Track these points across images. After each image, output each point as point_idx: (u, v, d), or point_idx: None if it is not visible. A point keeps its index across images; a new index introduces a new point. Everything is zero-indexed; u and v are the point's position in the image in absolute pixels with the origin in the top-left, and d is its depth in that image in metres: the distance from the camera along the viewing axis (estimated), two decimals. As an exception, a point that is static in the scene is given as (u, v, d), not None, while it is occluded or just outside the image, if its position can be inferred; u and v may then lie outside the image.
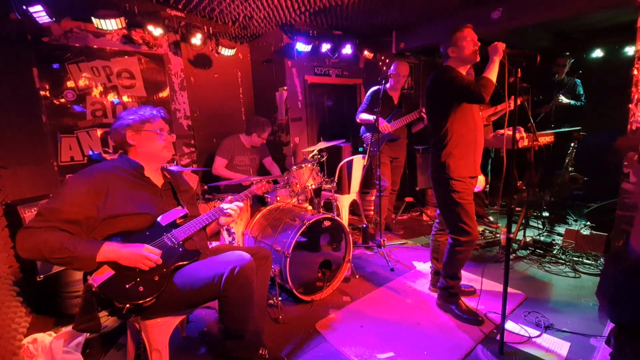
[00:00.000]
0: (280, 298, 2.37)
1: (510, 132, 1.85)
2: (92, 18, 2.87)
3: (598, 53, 4.42)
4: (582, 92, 4.03)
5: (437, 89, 2.11)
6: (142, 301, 1.41)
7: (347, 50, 4.25)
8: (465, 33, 2.02)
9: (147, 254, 1.43)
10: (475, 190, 2.25)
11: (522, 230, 3.31)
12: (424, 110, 3.35)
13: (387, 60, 4.60)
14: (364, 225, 3.64)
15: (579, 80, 4.06)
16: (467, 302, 2.29)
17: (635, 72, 2.60)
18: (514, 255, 3.07)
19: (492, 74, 1.94)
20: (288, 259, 2.30)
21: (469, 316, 2.18)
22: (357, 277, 2.86)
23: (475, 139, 2.14)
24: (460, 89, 1.98)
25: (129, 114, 1.62)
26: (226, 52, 3.82)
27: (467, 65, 2.12)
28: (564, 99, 3.97)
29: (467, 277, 2.70)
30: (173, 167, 3.29)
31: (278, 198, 3.03)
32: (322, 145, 3.15)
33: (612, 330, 1.38)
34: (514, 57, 1.88)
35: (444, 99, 2.08)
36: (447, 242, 2.25)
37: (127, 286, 1.41)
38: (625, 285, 1.25)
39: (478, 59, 2.03)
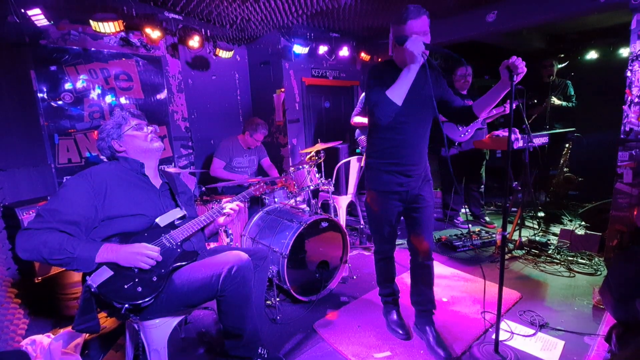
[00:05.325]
0: (278, 299, 2.38)
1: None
2: (90, 21, 2.88)
3: (592, 55, 4.47)
4: (572, 93, 4.08)
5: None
6: (140, 301, 1.42)
7: (344, 52, 4.29)
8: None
9: (147, 252, 1.45)
10: None
11: (518, 231, 3.34)
12: None
13: (384, 62, 4.63)
14: (361, 226, 3.65)
15: (570, 82, 4.10)
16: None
17: (629, 73, 2.64)
18: (509, 255, 3.09)
19: (397, 89, 1.56)
20: (286, 260, 2.31)
21: (396, 328, 2.09)
22: (355, 277, 2.87)
23: (394, 153, 1.84)
24: (367, 100, 1.71)
25: (103, 128, 1.65)
26: (224, 54, 3.84)
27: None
28: (555, 101, 4.02)
29: (464, 277, 2.72)
30: (171, 169, 3.30)
31: (276, 199, 3.05)
32: (320, 146, 3.18)
33: (614, 327, 1.39)
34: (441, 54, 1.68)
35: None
36: None
37: (125, 286, 1.42)
38: (636, 284, 1.27)
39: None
